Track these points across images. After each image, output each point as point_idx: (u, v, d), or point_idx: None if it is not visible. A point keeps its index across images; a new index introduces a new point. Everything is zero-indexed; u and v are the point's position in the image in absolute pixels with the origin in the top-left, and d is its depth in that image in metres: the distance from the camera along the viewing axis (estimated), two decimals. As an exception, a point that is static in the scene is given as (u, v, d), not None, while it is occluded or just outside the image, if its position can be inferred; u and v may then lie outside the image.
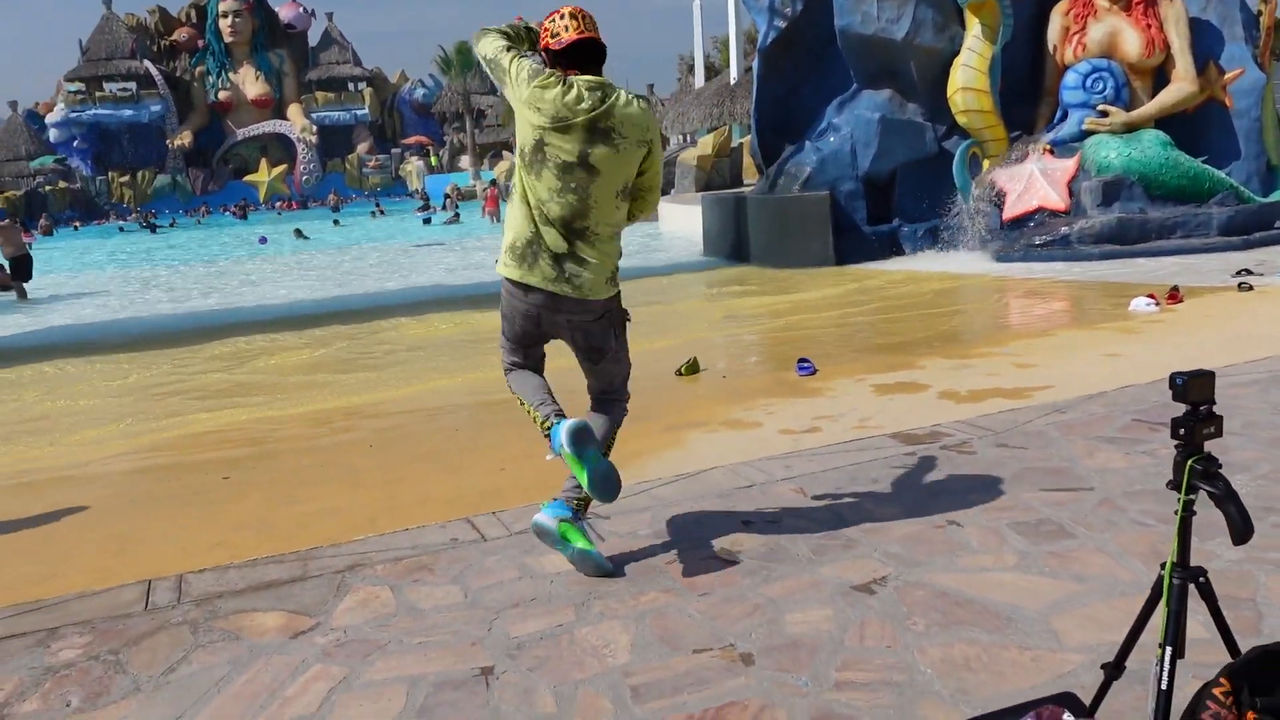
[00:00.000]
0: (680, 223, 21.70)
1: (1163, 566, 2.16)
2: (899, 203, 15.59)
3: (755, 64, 17.32)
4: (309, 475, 5.89)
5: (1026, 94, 15.43)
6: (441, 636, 3.42)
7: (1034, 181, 14.27)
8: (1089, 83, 14.59)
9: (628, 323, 3.98)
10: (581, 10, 3.72)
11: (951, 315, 10.42)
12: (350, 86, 67.17)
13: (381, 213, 44.44)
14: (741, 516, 4.33)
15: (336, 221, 40.95)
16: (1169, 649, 2.08)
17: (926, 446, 5.12)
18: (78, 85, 62.81)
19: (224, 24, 63.67)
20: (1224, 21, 15.11)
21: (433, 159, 64.49)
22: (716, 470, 4.99)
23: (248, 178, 63.56)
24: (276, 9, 65.49)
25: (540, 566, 3.94)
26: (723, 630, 3.32)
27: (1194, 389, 2.06)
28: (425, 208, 44.52)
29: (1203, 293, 9.85)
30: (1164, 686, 2.05)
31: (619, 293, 3.91)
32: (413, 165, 62.98)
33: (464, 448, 6.33)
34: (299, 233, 32.46)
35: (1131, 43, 14.67)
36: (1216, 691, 1.88)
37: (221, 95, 64.30)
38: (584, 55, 3.70)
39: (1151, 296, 9.26)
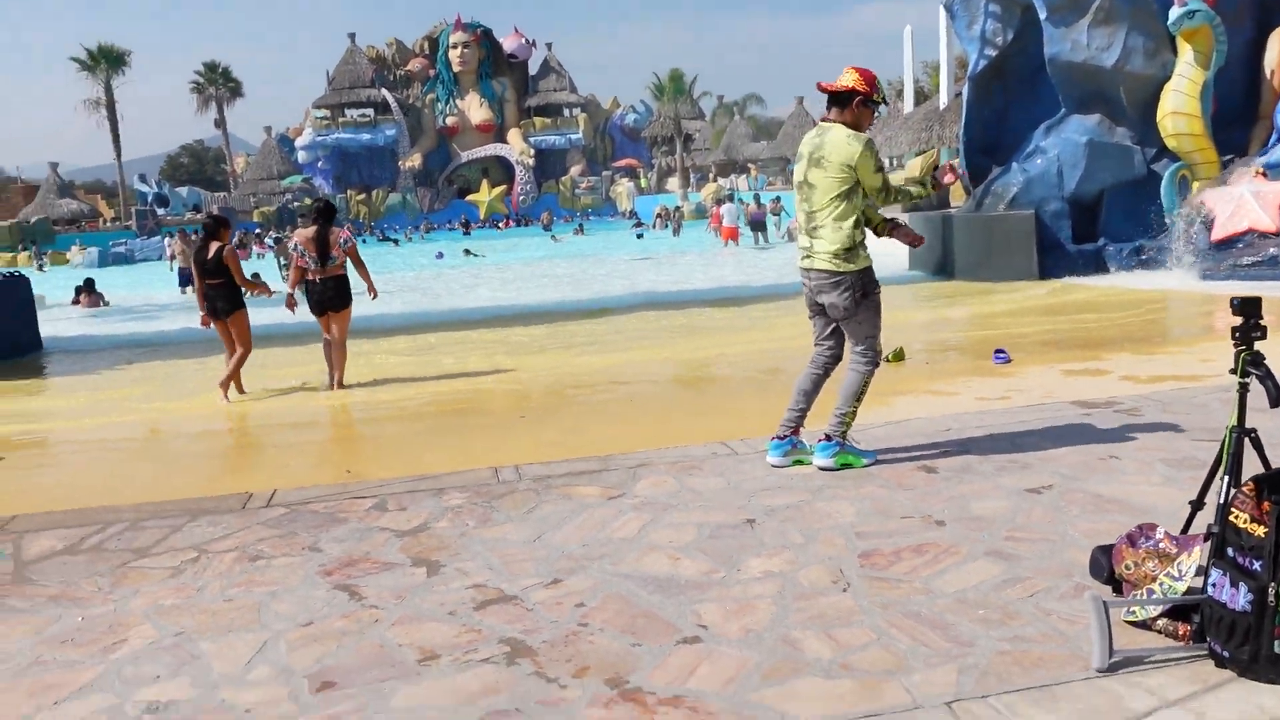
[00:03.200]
0: (885, 241, 22.53)
1: (1228, 429, 3.25)
2: (1105, 222, 16.07)
3: (965, 90, 18.13)
4: (588, 416, 7.40)
5: (1241, 118, 15.67)
6: (715, 503, 4.76)
7: (1245, 203, 14.52)
8: (1306, 107, 14.71)
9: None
10: (851, 69, 5.18)
11: (1147, 323, 11.07)
12: (566, 112, 70.63)
13: (581, 233, 46.79)
14: (940, 447, 5.49)
15: (554, 237, 43.71)
16: (1228, 478, 3.17)
17: (1101, 410, 6.11)
18: (323, 112, 68.61)
19: (454, 54, 68.25)
20: None
21: (642, 181, 67.01)
22: (919, 419, 6.15)
23: (470, 197, 67.71)
24: (501, 40, 69.67)
25: (782, 470, 5.24)
26: (923, 508, 4.52)
27: (1246, 306, 3.16)
28: (638, 225, 46.89)
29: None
30: (1221, 502, 3.13)
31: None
32: (623, 187, 65.63)
33: (702, 403, 7.70)
34: (468, 252, 35.08)
35: (1353, 67, 14.72)
36: (1245, 489, 2.95)
37: (449, 120, 68.79)
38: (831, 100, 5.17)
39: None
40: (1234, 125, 15.53)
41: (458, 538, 4.51)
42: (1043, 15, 15.71)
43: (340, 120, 68.39)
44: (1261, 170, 14.81)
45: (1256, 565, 2.83)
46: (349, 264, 9.34)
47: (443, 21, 69.82)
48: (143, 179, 66.93)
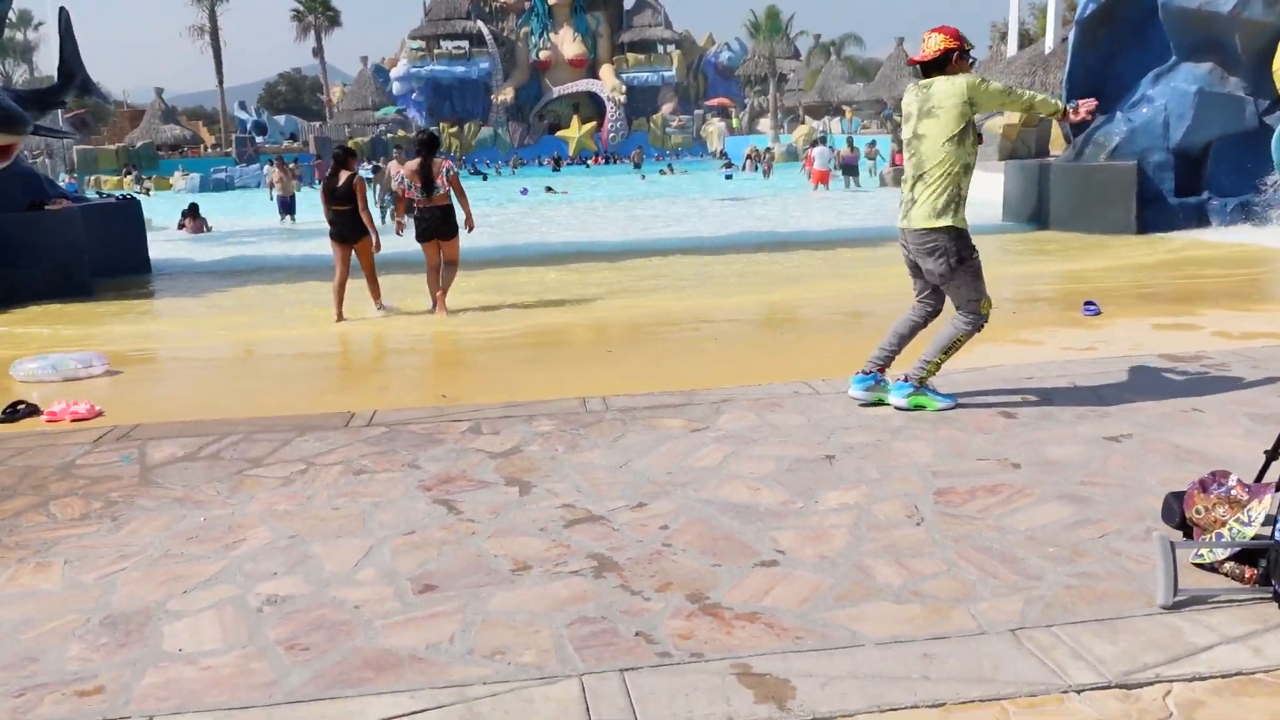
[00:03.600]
0: (979, 190, 22.13)
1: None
2: (1211, 176, 15.56)
3: (1072, 34, 17.59)
4: (672, 352, 7.59)
5: (1364, 69, 14.95)
6: (795, 439, 4.92)
7: (1361, 159, 13.94)
8: None
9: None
10: (933, 32, 5.29)
11: (1246, 280, 10.82)
12: (659, 49, 70.01)
13: (670, 172, 46.47)
14: (1021, 394, 5.56)
15: (643, 176, 43.68)
16: (1306, 429, 3.22)
17: (1188, 364, 6.09)
18: (419, 43, 69.06)
19: (550, -13, 68.00)
20: None
21: (733, 121, 66.34)
22: (1002, 366, 6.21)
23: (560, 133, 67.80)
24: (598, -27, 69.15)
25: (862, 410, 5.36)
26: (999, 451, 4.62)
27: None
28: (727, 166, 46.55)
29: None
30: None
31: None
32: (714, 126, 65.10)
33: (783, 343, 7.83)
34: (550, 189, 35.25)
35: None
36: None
37: (542, 55, 68.71)
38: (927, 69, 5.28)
39: None
40: (1356, 76, 14.84)
41: (548, 461, 4.75)
42: (1157, -43, 15.14)
43: (435, 52, 68.83)
44: (1383, 124, 14.18)
45: (1325, 515, 2.90)
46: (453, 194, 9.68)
47: (540, -46, 69.56)
48: (242, 106, 68.33)
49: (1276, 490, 3.25)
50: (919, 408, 5.30)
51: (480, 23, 68.37)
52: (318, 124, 71.54)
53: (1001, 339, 7.41)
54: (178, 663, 2.99)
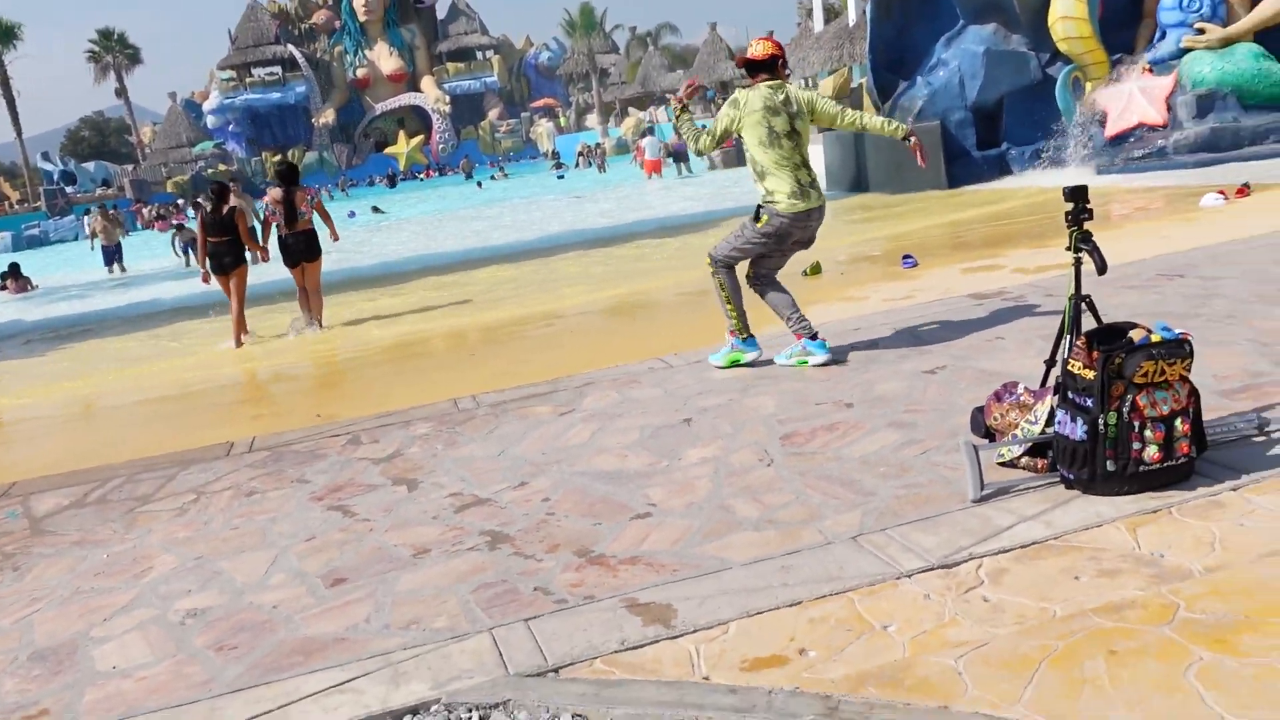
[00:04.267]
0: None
1: (1068, 297, 3.92)
2: (1007, 128, 16.85)
3: (868, 8, 18.69)
4: (532, 349, 7.97)
5: (1128, 17, 16.45)
6: (654, 409, 5.38)
7: (1133, 99, 15.38)
8: (1185, 2, 15.53)
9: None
10: (761, 40, 5.89)
11: (1043, 220, 11.82)
12: (479, 55, 69.98)
13: (504, 175, 46.69)
14: (850, 344, 6.16)
15: (479, 184, 43.70)
16: (1069, 337, 3.85)
17: (991, 300, 6.83)
18: (229, 73, 67.14)
19: (358, 3, 67.03)
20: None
21: (561, 119, 66.84)
22: (832, 322, 6.82)
23: (388, 150, 67.00)
24: (406, -15, 68.51)
25: (712, 375, 5.88)
26: (835, 395, 5.19)
27: (1075, 194, 3.82)
28: (558, 166, 46.94)
29: (1274, 188, 11.05)
30: (1061, 358, 3.81)
31: None
32: (542, 127, 65.46)
33: (636, 328, 8.31)
34: (376, 209, 34.88)
35: (1226, -39, 15.52)
36: (1079, 343, 3.62)
37: (359, 73, 67.75)
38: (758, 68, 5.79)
39: (1221, 193, 10.55)
40: (1122, 26, 16.31)
41: (430, 459, 5.08)
42: (935, -70, 16.28)
43: (248, 80, 67.07)
44: (1148, 66, 15.66)
45: (1089, 402, 3.51)
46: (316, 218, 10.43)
47: (344, -29, 68.50)
48: (46, 157, 65.08)
49: (1054, 393, 3.85)
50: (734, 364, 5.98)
51: (291, 46, 66.93)
52: (130, 166, 68.73)
53: (830, 299, 8.06)
54: (114, 679, 3.23)
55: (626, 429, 5.11)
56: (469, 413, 5.84)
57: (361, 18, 67.29)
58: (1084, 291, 3.97)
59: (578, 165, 45.50)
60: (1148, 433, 3.46)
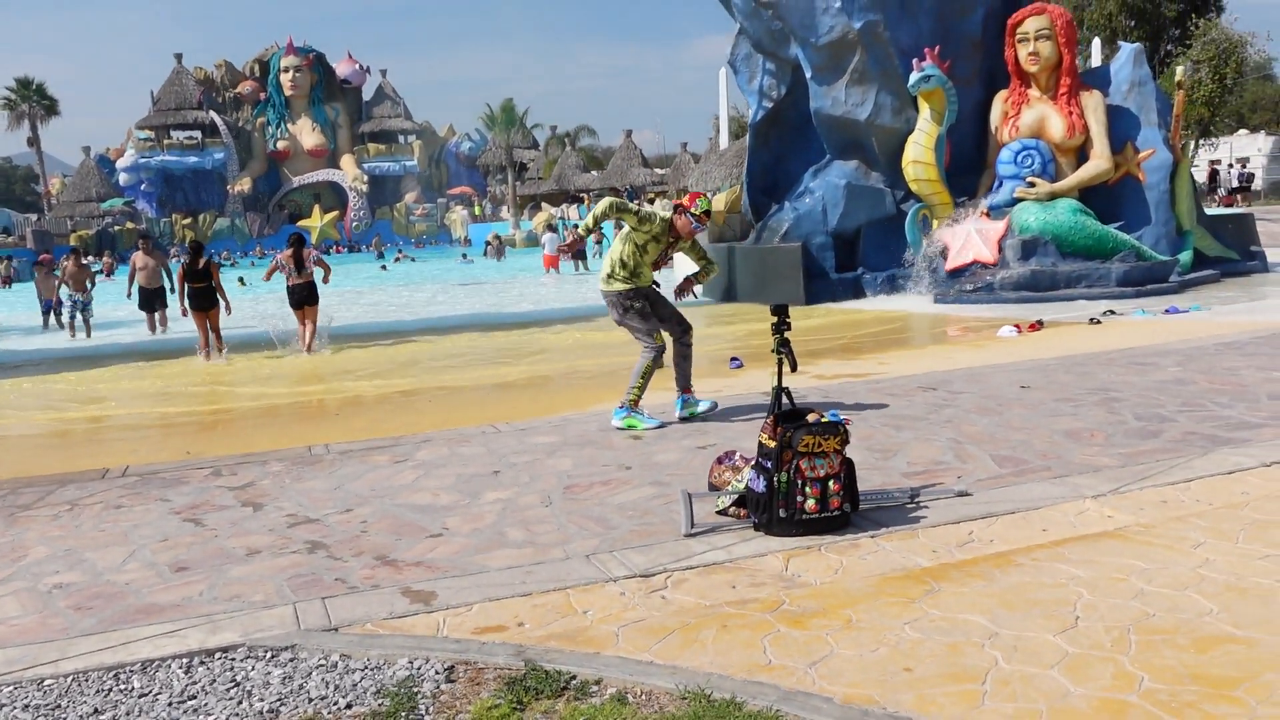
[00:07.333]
0: (686, 268, 24.74)
1: (773, 387, 5.17)
2: (863, 254, 18.57)
3: (748, 136, 20.49)
4: (389, 414, 8.98)
5: (972, 166, 18.47)
6: (474, 463, 6.46)
7: (970, 239, 17.24)
8: (1020, 158, 17.58)
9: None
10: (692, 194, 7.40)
11: (866, 338, 13.35)
12: (400, 139, 71.32)
13: (410, 259, 48.02)
14: (655, 426, 7.34)
15: (384, 267, 44.57)
16: (770, 416, 5.08)
17: (781, 397, 8.10)
18: (147, 133, 67.17)
19: (285, 78, 68.06)
20: (1141, 109, 18.07)
21: (476, 208, 68.30)
22: (652, 404, 8.01)
23: (301, 222, 67.31)
24: (334, 65, 69.91)
25: (531, 440, 6.99)
26: (621, 460, 6.35)
27: (778, 310, 5.10)
28: (465, 257, 48.27)
29: (1062, 325, 12.74)
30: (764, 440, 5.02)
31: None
32: (457, 214, 66.76)
33: (486, 399, 9.39)
34: (241, 281, 33.82)
35: (1056, 126, 17.67)
36: (768, 420, 4.84)
37: (280, 145, 68.41)
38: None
39: (1016, 326, 12.17)
40: (967, 173, 18.30)
41: (277, 489, 6.07)
42: (808, 74, 18.15)
43: (165, 142, 67.13)
44: (986, 211, 17.59)
45: (769, 464, 4.72)
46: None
47: (274, 45, 69.67)
48: (-55, 201, 63.98)
49: (754, 462, 5.05)
50: (630, 427, 7.06)
51: (213, 113, 67.41)
52: (34, 216, 67.88)
53: (656, 388, 9.26)
54: (-9, 624, 4.14)
55: (445, 475, 6.18)
56: (319, 457, 6.84)
57: (288, 92, 68.28)
58: (784, 384, 5.21)
59: (486, 254, 46.80)
60: (808, 489, 4.67)
